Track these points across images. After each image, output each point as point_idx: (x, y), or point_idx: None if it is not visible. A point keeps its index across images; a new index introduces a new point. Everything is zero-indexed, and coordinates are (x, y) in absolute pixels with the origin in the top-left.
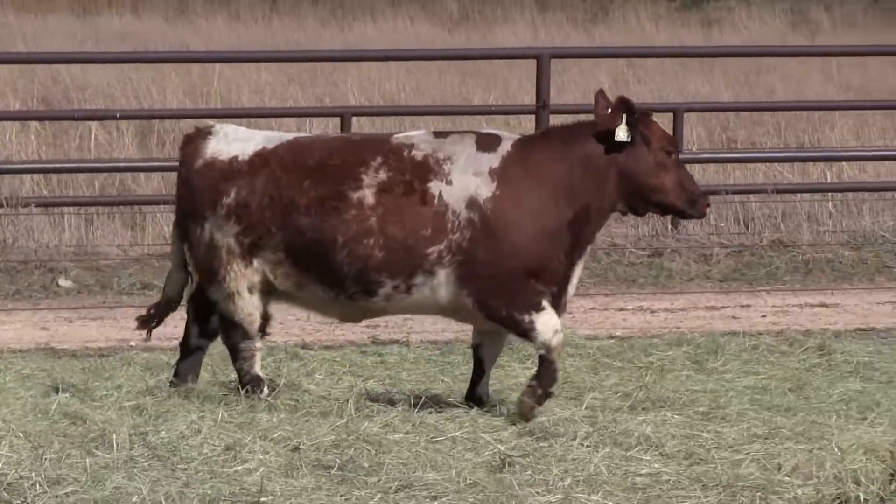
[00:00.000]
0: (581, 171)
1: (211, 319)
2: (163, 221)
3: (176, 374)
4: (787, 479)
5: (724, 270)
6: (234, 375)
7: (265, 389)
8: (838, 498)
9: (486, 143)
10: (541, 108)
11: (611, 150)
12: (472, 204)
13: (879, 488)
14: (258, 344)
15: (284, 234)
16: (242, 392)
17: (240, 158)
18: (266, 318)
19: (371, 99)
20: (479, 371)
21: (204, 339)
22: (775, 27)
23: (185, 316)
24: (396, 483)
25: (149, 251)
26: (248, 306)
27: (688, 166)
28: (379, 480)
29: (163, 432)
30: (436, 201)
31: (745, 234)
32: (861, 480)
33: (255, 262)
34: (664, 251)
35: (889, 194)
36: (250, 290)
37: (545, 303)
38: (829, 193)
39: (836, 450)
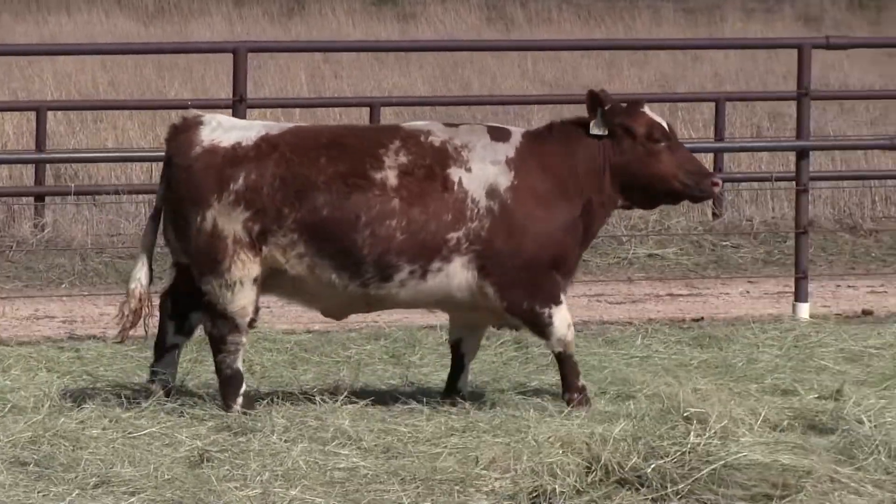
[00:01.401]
0: (583, 165)
1: (189, 316)
2: None
3: (153, 375)
4: (484, 472)
5: None
6: None
7: (244, 386)
8: (535, 490)
9: (499, 134)
10: (238, 102)
11: (601, 145)
12: (491, 192)
13: (576, 481)
14: (244, 339)
15: (299, 214)
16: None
17: (244, 144)
18: (257, 311)
19: (68, 93)
20: (459, 366)
21: (181, 337)
22: (471, 22)
23: (158, 313)
24: (94, 479)
25: None
26: (245, 298)
27: None
28: (76, 476)
29: None
30: (455, 188)
31: None
32: (557, 473)
33: (265, 249)
34: None
35: None
36: (253, 282)
37: (563, 297)
38: None
39: (532, 443)
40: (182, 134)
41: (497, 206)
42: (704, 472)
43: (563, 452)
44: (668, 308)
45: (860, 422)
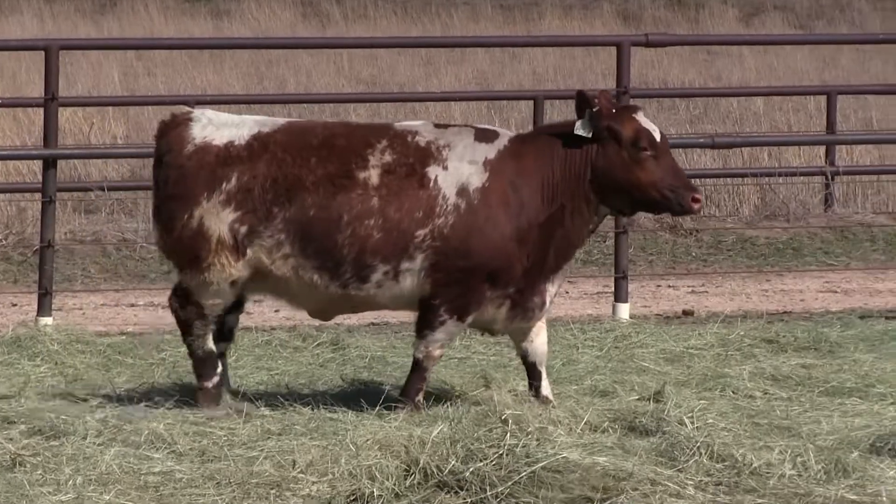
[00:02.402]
0: (559, 170)
1: (224, 319)
2: None
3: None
4: (301, 475)
5: None
6: None
7: (219, 366)
8: (353, 494)
9: (485, 135)
10: (50, 100)
11: (585, 148)
12: (462, 191)
13: (394, 484)
14: (211, 323)
15: (287, 214)
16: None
17: (237, 143)
18: (229, 308)
19: None
20: (535, 374)
21: (223, 343)
22: (286, 19)
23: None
24: None
25: None
26: (219, 297)
27: None
28: None
29: None
30: (430, 185)
31: None
32: (376, 476)
33: (249, 251)
34: None
35: None
36: (231, 285)
37: (469, 318)
38: None
39: (350, 446)
40: (172, 130)
41: (464, 204)
42: (524, 474)
43: (381, 455)
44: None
45: (681, 423)
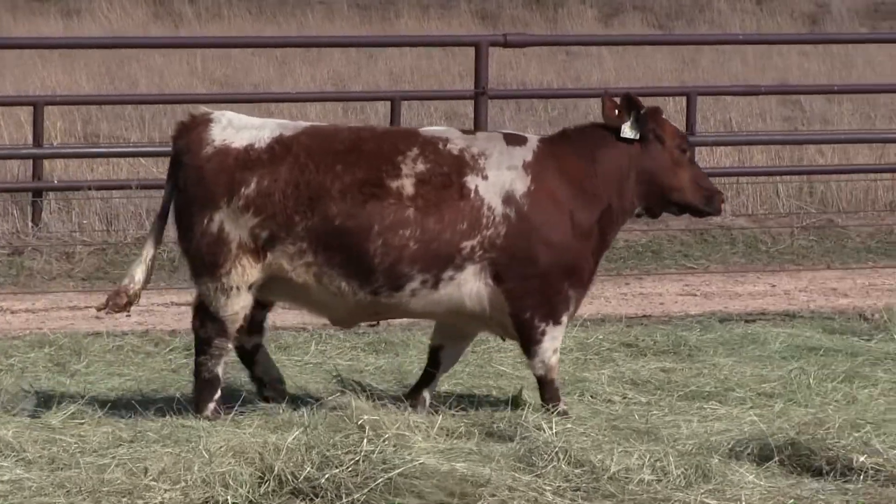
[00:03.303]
0: (602, 170)
1: (253, 315)
2: None
3: (260, 385)
4: (154, 483)
5: (88, 269)
6: None
7: (218, 392)
8: (207, 501)
9: (516, 139)
10: None
11: (628, 150)
12: (508, 199)
13: (249, 491)
14: (230, 345)
15: (310, 222)
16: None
17: (257, 146)
18: (246, 319)
19: None
20: (431, 374)
21: (257, 336)
22: (138, 18)
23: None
24: None
25: None
26: (238, 304)
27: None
28: None
29: None
30: (472, 195)
31: (109, 232)
32: (230, 483)
33: (269, 257)
34: (24, 249)
35: None
36: (249, 288)
37: (564, 318)
38: None
39: (204, 453)
40: (192, 132)
41: (513, 212)
42: (380, 480)
43: (235, 462)
44: None
45: (539, 428)
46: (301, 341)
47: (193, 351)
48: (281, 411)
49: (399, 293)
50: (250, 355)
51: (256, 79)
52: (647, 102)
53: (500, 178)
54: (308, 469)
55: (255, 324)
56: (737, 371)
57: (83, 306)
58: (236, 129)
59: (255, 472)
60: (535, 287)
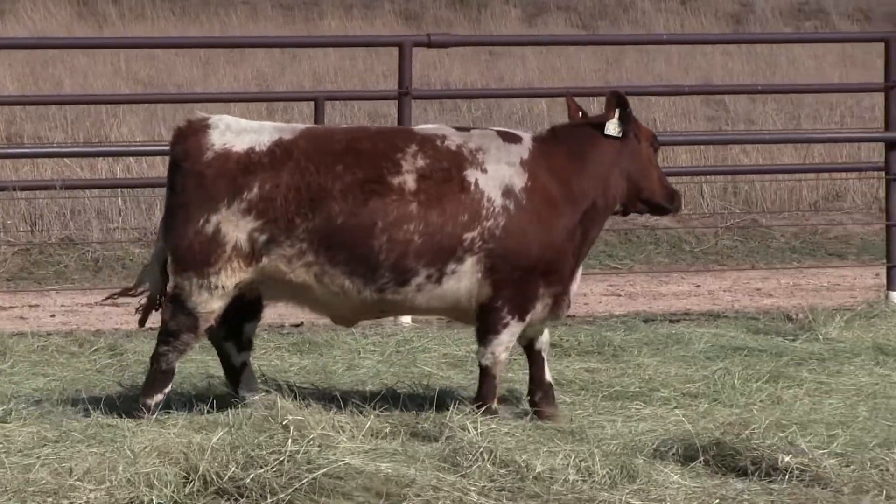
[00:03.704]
0: (590, 168)
1: (243, 329)
2: None
3: (242, 402)
4: (78, 483)
5: (12, 270)
6: None
7: (169, 387)
8: (131, 502)
9: (511, 137)
10: None
11: (612, 147)
12: (507, 192)
13: (173, 491)
14: (195, 343)
15: (311, 224)
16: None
17: (257, 150)
18: (217, 321)
19: None
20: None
21: (245, 353)
22: (61, 18)
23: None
24: None
25: None
26: (217, 304)
27: None
28: None
29: None
30: (472, 188)
31: (34, 232)
32: (154, 484)
33: (265, 260)
34: None
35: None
36: (234, 288)
37: (528, 317)
38: (119, 189)
39: (129, 453)
40: (190, 137)
41: (512, 205)
42: (305, 480)
43: (160, 462)
44: (268, 313)
45: (464, 428)
46: None
47: (156, 341)
48: (206, 411)
49: (405, 288)
50: (237, 372)
51: (180, 79)
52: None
53: (499, 173)
54: (233, 469)
55: (244, 340)
56: (661, 371)
57: (8, 307)
58: (235, 133)
59: (179, 473)
60: (517, 279)
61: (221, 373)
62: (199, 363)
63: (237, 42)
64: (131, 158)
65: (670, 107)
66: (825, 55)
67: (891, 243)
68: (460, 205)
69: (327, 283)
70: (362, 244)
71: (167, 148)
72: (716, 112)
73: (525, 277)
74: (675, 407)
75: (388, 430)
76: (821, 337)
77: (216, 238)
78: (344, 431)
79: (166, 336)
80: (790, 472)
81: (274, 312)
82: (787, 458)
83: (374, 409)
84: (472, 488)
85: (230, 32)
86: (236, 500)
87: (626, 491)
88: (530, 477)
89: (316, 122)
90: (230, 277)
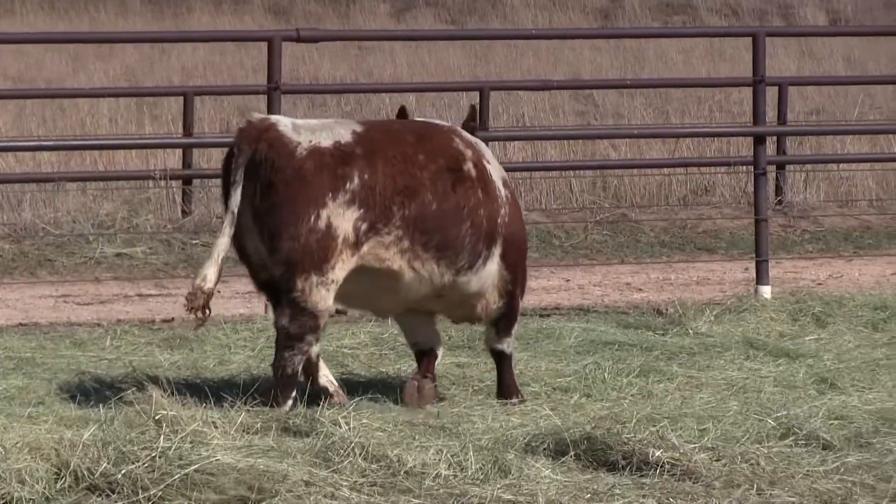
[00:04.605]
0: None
1: None
2: None
3: (326, 394)
4: None
5: None
6: None
7: (295, 392)
8: (2, 498)
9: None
10: None
11: None
12: (504, 183)
13: (44, 488)
14: (316, 343)
15: (407, 211)
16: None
17: (343, 143)
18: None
19: None
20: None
21: (317, 345)
22: None
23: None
24: None
25: None
26: (332, 297)
27: None
28: None
29: None
30: (492, 177)
31: None
32: (25, 480)
33: (365, 247)
34: None
35: (50, 185)
36: (345, 280)
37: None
38: None
39: (0, 449)
40: (264, 134)
41: (508, 195)
42: (176, 476)
43: (31, 458)
44: (138, 309)
45: (335, 424)
46: (96, 337)
47: (276, 346)
48: (76, 407)
49: (470, 271)
50: (314, 365)
51: (49, 74)
52: (440, 98)
53: (495, 164)
54: (104, 465)
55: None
56: (532, 365)
57: None
58: (310, 131)
59: (50, 469)
60: (522, 265)
61: (90, 369)
62: (69, 358)
63: (106, 37)
64: (2, 154)
65: (539, 102)
66: (693, 49)
67: (759, 238)
68: (492, 192)
69: (417, 267)
70: (452, 229)
71: (36, 143)
72: (584, 107)
73: (523, 261)
74: (546, 401)
75: (259, 425)
76: (691, 331)
77: (329, 232)
78: (216, 427)
79: (290, 341)
80: (661, 467)
81: (143, 308)
82: (658, 453)
83: (246, 404)
84: (345, 483)
85: (99, 27)
86: (108, 496)
87: (498, 486)
88: (402, 472)
89: (185, 118)
90: (341, 269)
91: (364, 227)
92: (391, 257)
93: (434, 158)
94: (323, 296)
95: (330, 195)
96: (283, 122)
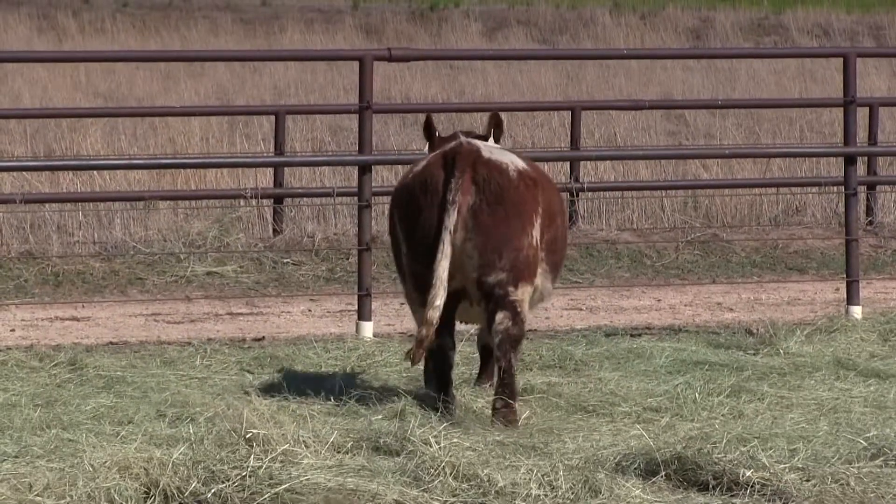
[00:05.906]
0: None
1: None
2: None
3: (447, 404)
4: (38, 498)
5: None
6: None
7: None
8: None
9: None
10: None
11: None
12: None
13: None
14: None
15: (549, 233)
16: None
17: (526, 168)
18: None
19: None
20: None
21: (454, 351)
22: (21, 32)
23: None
24: None
25: None
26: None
27: None
28: None
29: None
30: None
31: None
32: (115, 499)
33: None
34: None
35: (141, 204)
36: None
37: None
38: (79, 203)
39: (89, 468)
40: (483, 156)
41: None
42: (266, 496)
43: (120, 477)
44: (229, 327)
45: (426, 443)
46: (186, 355)
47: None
48: (165, 426)
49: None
50: (451, 367)
51: (140, 93)
52: (531, 117)
53: None
54: (194, 484)
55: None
56: (623, 385)
57: None
58: (500, 153)
59: (140, 488)
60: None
61: (180, 388)
62: (159, 377)
63: (198, 56)
64: (94, 171)
65: (631, 121)
66: (785, 70)
67: (850, 258)
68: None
69: (542, 282)
70: (562, 248)
71: (128, 162)
72: (676, 126)
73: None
74: (637, 421)
75: (350, 445)
76: (781, 351)
77: (536, 246)
78: (307, 446)
79: (516, 343)
80: (751, 487)
81: (234, 326)
82: (748, 473)
83: (337, 424)
84: (435, 502)
85: (190, 46)
86: None
87: None
88: (493, 491)
89: (276, 136)
90: (537, 279)
91: (543, 245)
92: (543, 273)
93: (553, 187)
94: (530, 304)
95: (535, 213)
96: (478, 143)
